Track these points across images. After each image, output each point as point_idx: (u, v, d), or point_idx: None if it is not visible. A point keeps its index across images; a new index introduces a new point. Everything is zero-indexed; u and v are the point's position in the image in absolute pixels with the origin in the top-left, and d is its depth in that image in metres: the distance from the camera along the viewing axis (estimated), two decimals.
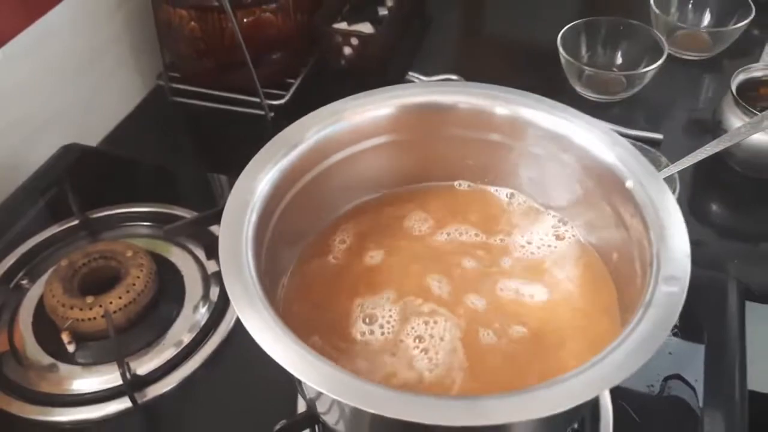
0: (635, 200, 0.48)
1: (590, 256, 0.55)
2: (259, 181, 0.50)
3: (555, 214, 0.58)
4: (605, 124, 0.52)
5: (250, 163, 0.52)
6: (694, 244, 0.80)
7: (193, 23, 0.91)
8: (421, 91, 0.55)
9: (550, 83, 0.91)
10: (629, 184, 0.49)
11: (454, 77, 0.99)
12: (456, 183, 0.60)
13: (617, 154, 0.50)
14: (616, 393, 0.60)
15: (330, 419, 0.50)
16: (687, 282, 0.42)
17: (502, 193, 0.60)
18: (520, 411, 0.38)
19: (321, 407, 0.49)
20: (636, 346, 0.40)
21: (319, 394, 0.45)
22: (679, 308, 0.41)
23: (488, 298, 0.53)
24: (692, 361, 0.63)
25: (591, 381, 0.39)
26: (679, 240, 0.45)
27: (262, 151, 0.53)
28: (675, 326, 0.65)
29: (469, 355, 0.50)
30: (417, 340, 0.51)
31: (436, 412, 0.39)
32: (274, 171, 0.51)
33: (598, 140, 0.51)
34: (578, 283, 0.54)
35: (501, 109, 0.54)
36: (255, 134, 0.96)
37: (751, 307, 0.71)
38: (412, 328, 0.51)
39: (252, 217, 0.48)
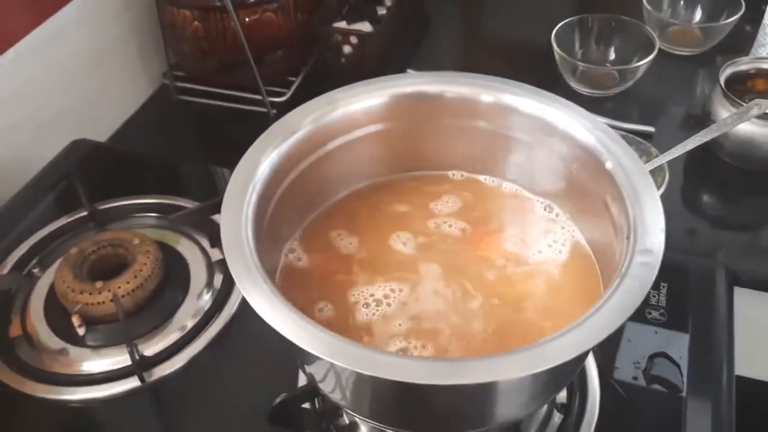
0: (615, 181, 0.50)
1: (577, 240, 0.57)
2: (259, 164, 0.53)
3: (542, 200, 0.60)
4: (586, 112, 0.54)
5: (251, 147, 0.54)
6: (685, 232, 0.82)
7: (196, 23, 0.93)
8: (411, 81, 0.58)
9: (545, 79, 0.92)
10: (609, 165, 0.51)
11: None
12: (450, 173, 0.63)
13: (597, 137, 0.53)
14: (604, 370, 0.63)
15: (327, 388, 0.52)
16: (661, 253, 0.45)
17: (493, 181, 0.62)
18: (498, 371, 0.41)
19: (318, 376, 0.51)
20: (611, 312, 0.42)
21: (316, 359, 0.47)
22: (653, 277, 0.43)
23: (476, 279, 0.55)
24: (678, 342, 0.65)
25: (569, 344, 0.41)
26: (654, 215, 0.47)
27: (263, 136, 0.55)
28: (662, 312, 0.68)
29: (456, 326, 0.52)
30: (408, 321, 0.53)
31: (419, 371, 0.41)
32: (273, 155, 0.54)
33: (579, 124, 0.54)
34: (564, 266, 0.56)
35: (486, 97, 0.57)
36: (258, 131, 0.98)
37: (739, 293, 0.74)
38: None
39: (252, 198, 0.51)
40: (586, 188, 0.54)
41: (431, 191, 0.62)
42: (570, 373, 0.53)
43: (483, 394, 0.45)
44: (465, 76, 0.57)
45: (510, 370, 0.40)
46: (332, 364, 0.45)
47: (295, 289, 0.56)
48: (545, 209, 0.60)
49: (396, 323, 0.53)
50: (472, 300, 0.54)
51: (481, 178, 0.62)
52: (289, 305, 0.45)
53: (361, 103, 0.57)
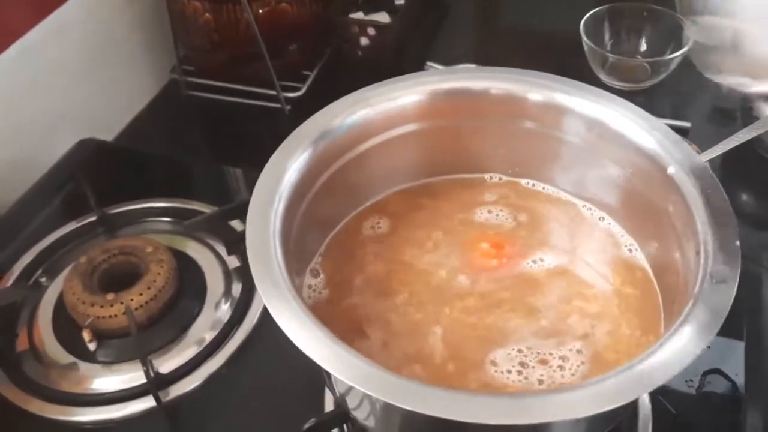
0: (679, 188, 0.46)
1: (628, 247, 0.53)
2: (286, 170, 0.49)
3: (594, 208, 0.56)
4: (644, 112, 0.50)
5: (276, 152, 0.50)
6: None
7: (207, 15, 0.89)
8: (452, 77, 0.54)
9: (572, 72, 0.89)
10: (671, 170, 0.47)
11: (472, 67, 0.97)
12: (487, 176, 0.58)
13: (657, 140, 0.49)
14: (655, 390, 0.58)
15: (360, 415, 0.48)
16: (738, 272, 0.40)
17: (536, 185, 0.58)
18: (564, 410, 0.36)
19: (351, 403, 0.48)
20: (686, 342, 0.38)
21: (350, 388, 0.43)
22: (730, 301, 0.39)
23: (520, 296, 0.51)
24: (732, 356, 0.61)
25: (639, 378, 0.37)
26: (728, 228, 0.43)
27: (288, 139, 0.51)
28: None
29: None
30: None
31: (475, 409, 0.37)
32: (300, 160, 0.50)
33: (636, 126, 0.49)
34: (618, 282, 0.52)
35: (534, 95, 0.52)
36: (271, 127, 0.95)
37: None
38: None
39: (279, 208, 0.47)
40: (644, 196, 0.50)
41: (471, 197, 0.57)
42: (632, 404, 0.49)
43: (535, 430, 0.41)
44: (511, 71, 0.53)
45: (574, 408, 0.36)
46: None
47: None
48: (598, 219, 0.55)
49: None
50: (515, 317, 0.50)
51: (525, 182, 0.58)
52: (324, 329, 0.41)
53: (395, 101, 0.53)
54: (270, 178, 0.48)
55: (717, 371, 0.60)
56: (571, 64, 0.93)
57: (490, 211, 0.56)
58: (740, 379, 0.59)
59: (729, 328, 0.62)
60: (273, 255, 0.44)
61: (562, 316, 0.50)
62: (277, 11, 0.90)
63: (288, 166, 0.49)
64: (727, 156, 0.85)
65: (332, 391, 0.54)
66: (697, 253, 0.43)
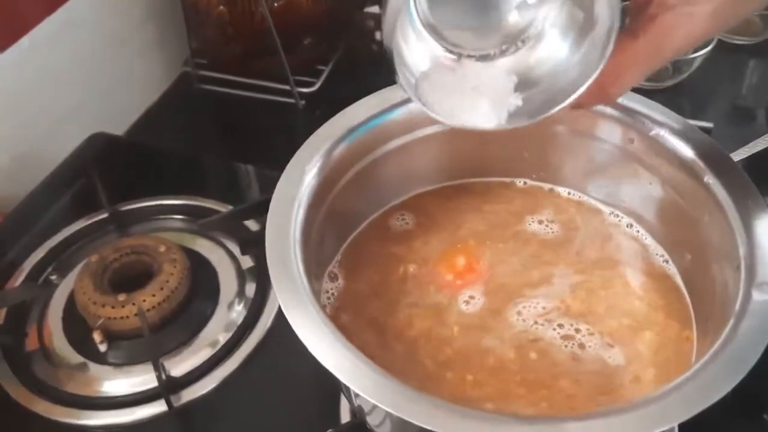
0: (716, 198, 0.44)
1: (664, 266, 0.51)
2: (305, 173, 0.47)
3: (625, 217, 0.54)
4: (680, 117, 0.48)
5: (296, 154, 0.48)
6: None
7: (221, 7, 0.88)
8: None
9: None
10: (708, 179, 0.45)
11: None
12: (517, 180, 0.57)
13: (693, 146, 0.47)
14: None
15: (378, 426, 0.47)
16: None
17: (562, 191, 0.56)
18: None
19: (368, 413, 0.46)
20: (730, 362, 0.36)
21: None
22: None
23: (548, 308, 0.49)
24: None
25: (681, 401, 0.35)
26: None
27: (308, 142, 0.49)
28: None
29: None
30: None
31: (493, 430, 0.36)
32: (321, 163, 0.48)
33: (671, 131, 0.48)
34: (648, 297, 0.50)
35: None
36: (285, 123, 0.94)
37: None
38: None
39: (299, 213, 0.45)
40: (678, 205, 0.48)
41: (500, 203, 0.55)
42: None
43: None
44: None
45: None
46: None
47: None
48: (627, 226, 0.53)
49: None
50: (545, 332, 0.48)
51: (556, 188, 0.56)
52: (346, 342, 0.39)
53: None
54: (289, 183, 0.46)
55: None
56: None
57: (530, 219, 0.55)
58: None
59: None
60: (293, 262, 0.43)
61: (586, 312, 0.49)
62: (292, 5, 0.89)
63: (308, 170, 0.47)
64: (751, 157, 0.83)
65: (348, 399, 0.52)
66: (737, 267, 0.41)
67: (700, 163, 0.46)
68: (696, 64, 0.89)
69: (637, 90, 0.90)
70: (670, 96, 0.91)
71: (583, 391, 0.44)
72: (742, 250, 0.41)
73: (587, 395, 0.44)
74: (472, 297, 0.50)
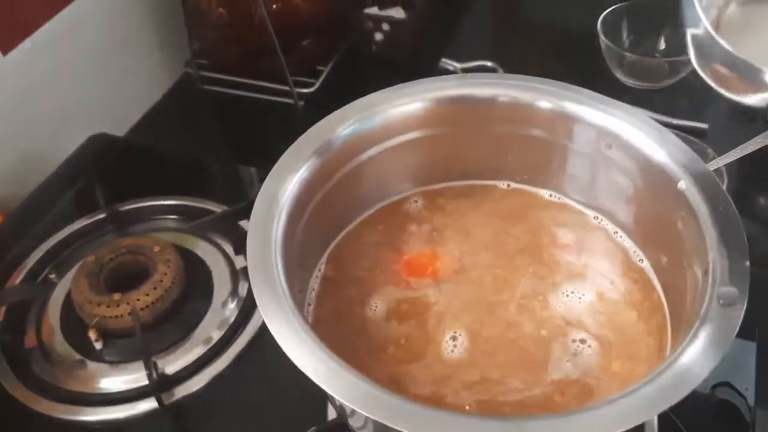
0: (689, 204, 0.45)
1: (641, 266, 0.52)
2: (287, 181, 0.48)
3: (600, 216, 0.55)
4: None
5: (279, 161, 0.50)
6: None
7: (220, 9, 0.89)
8: (458, 84, 0.53)
9: (589, 69, 0.88)
10: (681, 185, 0.46)
11: (489, 64, 0.95)
12: (499, 183, 0.57)
13: (668, 152, 0.47)
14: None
15: (358, 427, 0.48)
16: (746, 294, 0.39)
17: (544, 193, 0.57)
18: None
19: (348, 414, 0.47)
20: (688, 366, 0.37)
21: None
22: (737, 324, 0.38)
23: (525, 305, 0.50)
24: (743, 367, 0.60)
25: (642, 403, 0.36)
26: (737, 248, 0.42)
27: (291, 148, 0.50)
28: None
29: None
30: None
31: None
32: (303, 169, 0.49)
33: (647, 137, 0.48)
34: (625, 296, 0.50)
35: (543, 103, 0.51)
36: (284, 123, 0.95)
37: None
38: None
39: (281, 220, 0.46)
40: (653, 209, 0.48)
41: (479, 204, 0.56)
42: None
43: None
44: (519, 78, 0.52)
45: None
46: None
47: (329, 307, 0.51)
48: (607, 230, 0.54)
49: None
50: (522, 328, 0.49)
51: (533, 190, 0.57)
52: (325, 349, 0.40)
53: (401, 107, 0.52)
54: (271, 190, 0.48)
55: (726, 384, 0.59)
56: (588, 62, 0.92)
57: (513, 221, 0.55)
58: (751, 393, 0.58)
59: (740, 340, 0.61)
60: (274, 270, 0.44)
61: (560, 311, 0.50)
62: (291, 6, 0.90)
63: (289, 177, 0.48)
64: (745, 158, 0.84)
65: (331, 401, 0.53)
66: (705, 272, 0.41)
67: (674, 169, 0.46)
68: (693, 64, 0.89)
69: (633, 90, 0.91)
70: (667, 96, 0.91)
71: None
72: (710, 255, 0.42)
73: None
74: (455, 334, 0.51)
